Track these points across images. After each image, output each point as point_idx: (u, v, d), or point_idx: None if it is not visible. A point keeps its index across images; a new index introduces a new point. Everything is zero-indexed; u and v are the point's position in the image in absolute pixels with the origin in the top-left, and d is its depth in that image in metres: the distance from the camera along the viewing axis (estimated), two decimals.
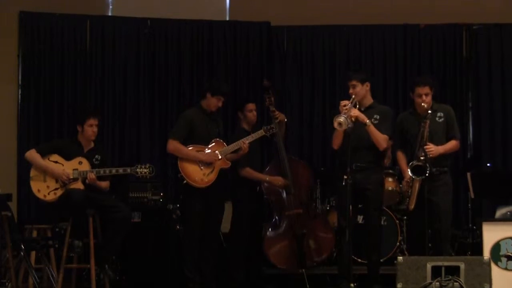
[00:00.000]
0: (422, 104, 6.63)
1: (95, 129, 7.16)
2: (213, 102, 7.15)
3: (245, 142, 7.10)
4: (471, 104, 9.31)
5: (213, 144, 7.09)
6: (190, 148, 7.06)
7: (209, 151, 7.06)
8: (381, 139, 6.72)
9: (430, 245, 6.72)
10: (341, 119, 6.33)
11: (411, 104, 7.06)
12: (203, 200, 7.04)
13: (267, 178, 7.48)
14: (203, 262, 7.15)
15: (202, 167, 7.03)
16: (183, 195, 7.29)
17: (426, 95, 6.70)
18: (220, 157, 7.03)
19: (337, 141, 6.81)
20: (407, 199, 6.72)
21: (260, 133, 7.23)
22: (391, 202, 8.12)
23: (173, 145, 7.08)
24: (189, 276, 7.03)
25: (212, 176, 7.03)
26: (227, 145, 7.13)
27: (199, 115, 7.19)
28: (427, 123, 6.53)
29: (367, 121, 6.60)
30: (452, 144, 6.79)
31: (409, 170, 6.56)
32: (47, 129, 8.93)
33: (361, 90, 6.80)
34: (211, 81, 7.74)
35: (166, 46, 9.25)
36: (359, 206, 6.86)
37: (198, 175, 7.02)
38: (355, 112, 6.58)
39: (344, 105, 6.56)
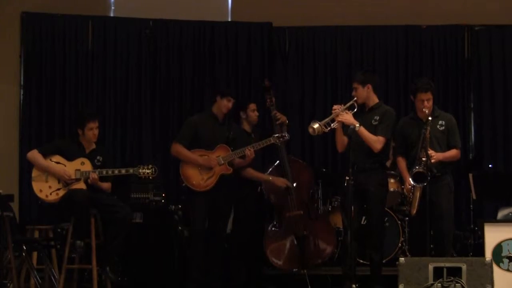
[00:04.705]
0: (424, 109, 6.65)
1: (96, 131, 7.17)
2: (224, 104, 7.18)
3: (250, 150, 7.09)
4: (472, 105, 9.32)
5: (218, 149, 7.10)
6: (194, 152, 7.09)
7: (211, 156, 7.08)
8: (373, 141, 6.71)
9: (432, 246, 6.72)
10: (315, 125, 6.55)
11: (412, 106, 7.06)
12: (206, 201, 7.06)
13: (270, 178, 7.48)
14: (209, 263, 7.16)
15: (201, 171, 7.05)
16: (186, 196, 7.32)
17: (428, 100, 6.71)
18: (221, 162, 7.04)
19: (339, 144, 6.86)
20: (409, 204, 6.73)
21: (268, 141, 7.20)
22: (393, 203, 8.13)
23: (175, 148, 7.15)
24: (194, 276, 7.06)
25: (211, 181, 7.05)
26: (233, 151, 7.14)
27: (205, 120, 7.23)
28: (428, 129, 6.53)
29: (356, 125, 6.60)
30: (453, 153, 6.78)
31: (410, 178, 6.56)
32: (48, 130, 8.94)
33: (362, 92, 6.82)
34: (218, 86, 7.76)
35: (167, 46, 9.26)
36: (364, 206, 6.86)
37: (197, 179, 7.06)
38: (342, 117, 6.61)
39: (334, 109, 6.66)
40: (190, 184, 7.06)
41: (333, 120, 6.66)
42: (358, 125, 6.60)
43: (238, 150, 7.09)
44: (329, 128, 6.65)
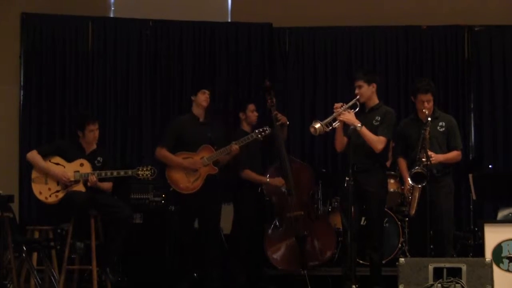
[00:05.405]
0: (424, 110, 6.65)
1: (96, 133, 7.20)
2: (200, 99, 7.24)
3: (235, 146, 7.10)
4: (472, 106, 9.31)
5: (201, 150, 7.12)
6: (179, 155, 7.12)
7: (196, 157, 7.10)
8: (375, 141, 6.68)
9: (432, 246, 6.72)
10: (317, 125, 6.49)
11: (412, 107, 7.06)
12: (195, 202, 7.10)
13: (267, 180, 7.48)
14: (206, 263, 7.19)
15: (187, 174, 7.08)
16: (175, 199, 7.42)
17: (428, 101, 6.71)
18: (206, 163, 7.06)
19: (337, 144, 6.83)
20: (408, 204, 6.74)
21: (251, 137, 7.22)
22: (393, 204, 8.13)
23: (160, 153, 7.21)
24: (186, 276, 7.18)
25: (198, 183, 7.09)
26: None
27: (188, 121, 7.28)
28: (427, 130, 6.54)
29: (358, 125, 6.57)
30: (453, 154, 6.79)
31: (409, 178, 6.56)
32: (48, 130, 8.94)
33: (367, 91, 6.78)
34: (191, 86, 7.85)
35: (168, 47, 9.26)
36: (363, 207, 6.85)
37: (183, 182, 7.11)
38: (344, 116, 6.58)
39: (336, 108, 6.61)
40: (178, 188, 7.13)
41: (334, 120, 6.62)
42: (360, 125, 6.58)
43: (222, 149, 7.11)
44: (330, 128, 6.61)
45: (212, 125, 7.33)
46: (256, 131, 7.23)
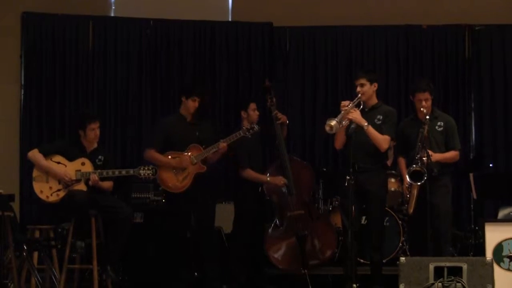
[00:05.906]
0: (422, 109, 6.66)
1: (97, 132, 7.22)
2: (190, 105, 7.23)
3: (221, 143, 7.11)
4: (473, 105, 9.32)
5: (190, 149, 7.13)
6: (167, 155, 7.13)
7: (184, 156, 7.12)
8: (381, 140, 6.68)
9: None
10: (333, 122, 6.37)
11: (412, 107, 7.07)
12: (186, 201, 7.11)
13: (268, 179, 7.48)
14: (205, 262, 7.21)
15: (176, 173, 7.09)
16: (165, 198, 7.46)
17: (426, 100, 6.74)
18: (194, 162, 7.07)
19: (338, 142, 6.81)
20: (407, 203, 6.75)
21: (238, 134, 7.21)
22: (394, 203, 8.13)
23: (148, 154, 7.24)
24: (182, 276, 7.19)
25: (187, 181, 7.10)
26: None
27: (176, 122, 7.28)
28: (425, 128, 6.55)
29: (365, 124, 6.56)
30: (451, 154, 6.82)
31: (407, 176, 6.57)
32: (49, 130, 8.95)
33: (369, 89, 6.76)
34: (183, 85, 7.82)
35: (168, 46, 9.26)
36: (363, 206, 6.85)
37: (172, 181, 7.13)
38: (352, 115, 6.55)
39: (343, 106, 6.58)
40: (167, 187, 7.16)
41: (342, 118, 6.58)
42: (367, 124, 6.58)
43: (210, 147, 7.13)
44: (341, 126, 6.51)
45: (200, 125, 7.34)
46: (244, 128, 7.24)
